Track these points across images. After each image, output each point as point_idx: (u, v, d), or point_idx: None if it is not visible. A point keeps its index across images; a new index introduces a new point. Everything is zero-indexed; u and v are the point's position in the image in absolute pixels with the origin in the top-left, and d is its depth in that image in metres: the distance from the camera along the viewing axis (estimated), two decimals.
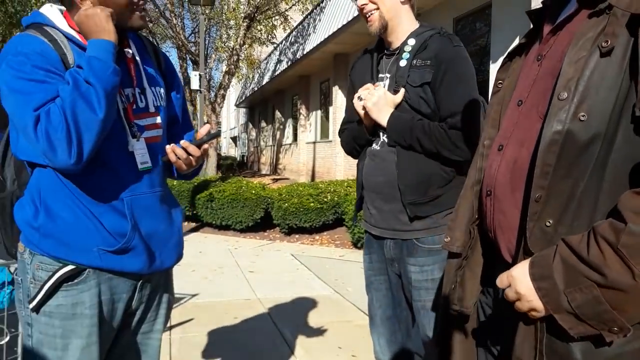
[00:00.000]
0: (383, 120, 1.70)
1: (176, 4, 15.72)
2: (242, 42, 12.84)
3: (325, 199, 6.94)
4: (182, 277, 4.72)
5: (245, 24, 12.60)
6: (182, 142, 1.38)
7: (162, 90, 1.45)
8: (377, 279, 1.87)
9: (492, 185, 1.06)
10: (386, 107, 1.70)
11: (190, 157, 1.38)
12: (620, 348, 0.85)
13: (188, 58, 16.21)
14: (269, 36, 14.93)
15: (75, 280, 1.27)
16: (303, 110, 15.78)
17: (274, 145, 20.56)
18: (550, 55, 1.00)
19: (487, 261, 1.12)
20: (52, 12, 1.31)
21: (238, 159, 29.53)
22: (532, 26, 1.13)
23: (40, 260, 1.27)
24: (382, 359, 1.89)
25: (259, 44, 15.40)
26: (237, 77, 16.47)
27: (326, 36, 11.24)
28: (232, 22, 13.81)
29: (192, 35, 19.36)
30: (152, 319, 1.46)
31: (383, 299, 1.86)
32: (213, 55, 16.25)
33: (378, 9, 1.71)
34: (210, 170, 12.02)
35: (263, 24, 14.38)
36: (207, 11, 13.58)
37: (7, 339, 1.96)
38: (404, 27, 1.75)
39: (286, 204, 6.84)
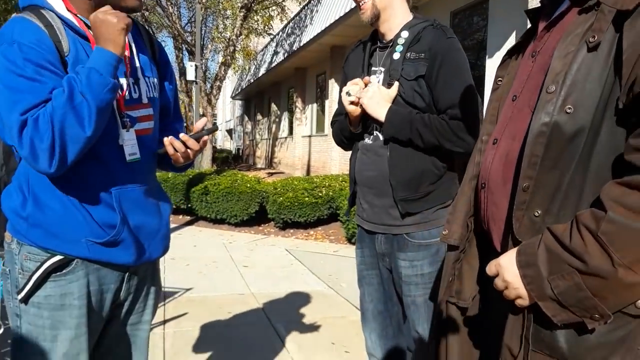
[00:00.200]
0: (381, 115, 1.68)
1: None
2: (238, 32, 12.76)
3: (320, 194, 6.93)
4: (176, 271, 4.69)
5: (241, 14, 12.51)
6: (181, 135, 1.37)
7: (155, 81, 1.44)
8: (369, 274, 1.86)
9: (487, 178, 1.09)
10: (383, 102, 1.68)
11: (189, 150, 1.38)
12: (604, 337, 0.87)
13: (184, 48, 16.11)
14: (266, 27, 14.86)
15: (64, 271, 1.27)
16: (299, 103, 15.72)
17: (269, 139, 20.51)
18: (544, 51, 1.03)
19: (483, 253, 1.14)
20: None
21: (233, 152, 29.46)
22: (530, 25, 1.15)
23: (28, 251, 1.26)
24: (374, 354, 1.89)
25: (256, 35, 15.31)
26: (233, 68, 16.39)
27: (323, 28, 11.18)
28: (228, 12, 13.72)
29: (189, 24, 19.23)
30: (140, 310, 1.47)
31: (375, 294, 1.86)
32: (209, 46, 16.14)
33: None
34: (205, 163, 11.98)
35: (260, 14, 14.31)
36: (203, 0, 13.47)
37: (1, 331, 1.94)
38: (397, 18, 1.73)
39: (281, 198, 6.82)
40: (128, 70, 1.34)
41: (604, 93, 0.87)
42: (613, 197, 0.81)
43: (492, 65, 6.35)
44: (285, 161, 17.49)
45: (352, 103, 1.73)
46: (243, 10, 12.51)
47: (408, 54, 1.68)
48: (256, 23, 14.74)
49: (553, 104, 0.91)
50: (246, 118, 27.74)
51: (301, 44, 13.28)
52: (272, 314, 3.64)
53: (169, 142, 1.37)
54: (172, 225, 7.32)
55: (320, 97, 14.45)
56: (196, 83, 11.11)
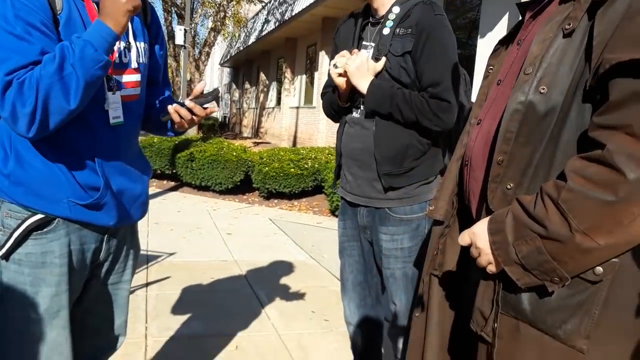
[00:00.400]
0: (363, 87, 1.69)
1: None
2: None
3: (306, 165, 6.95)
4: (160, 235, 4.71)
5: None
6: (187, 102, 1.38)
7: (145, 46, 1.43)
8: (350, 245, 1.91)
9: (469, 156, 1.15)
10: (367, 74, 1.69)
11: (194, 117, 1.39)
12: (564, 300, 0.93)
13: (173, 11, 15.71)
14: None
15: (45, 230, 1.28)
16: (288, 74, 15.55)
17: (256, 108, 20.32)
18: (528, 39, 1.09)
19: (465, 228, 1.20)
20: None
21: (220, 119, 29.14)
22: (520, 18, 1.21)
23: (9, 208, 1.27)
24: (351, 323, 1.96)
25: (247, 1, 14.98)
26: (223, 34, 16.07)
27: None
28: None
29: None
30: (120, 270, 1.50)
31: (355, 265, 1.91)
32: (199, 10, 15.78)
33: None
34: (191, 129, 11.86)
35: None
36: None
37: None
38: None
39: (266, 168, 6.83)
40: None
41: (575, 76, 0.94)
42: (574, 169, 0.88)
43: (483, 44, 6.34)
44: (271, 131, 17.39)
45: (340, 75, 1.74)
46: None
47: (397, 30, 1.68)
48: None
49: (529, 85, 0.98)
50: (234, 86, 27.36)
51: (293, 14, 13.05)
52: (254, 281, 3.70)
53: (174, 110, 1.38)
54: (156, 190, 7.30)
55: (310, 68, 14.30)
56: (185, 48, 10.91)
